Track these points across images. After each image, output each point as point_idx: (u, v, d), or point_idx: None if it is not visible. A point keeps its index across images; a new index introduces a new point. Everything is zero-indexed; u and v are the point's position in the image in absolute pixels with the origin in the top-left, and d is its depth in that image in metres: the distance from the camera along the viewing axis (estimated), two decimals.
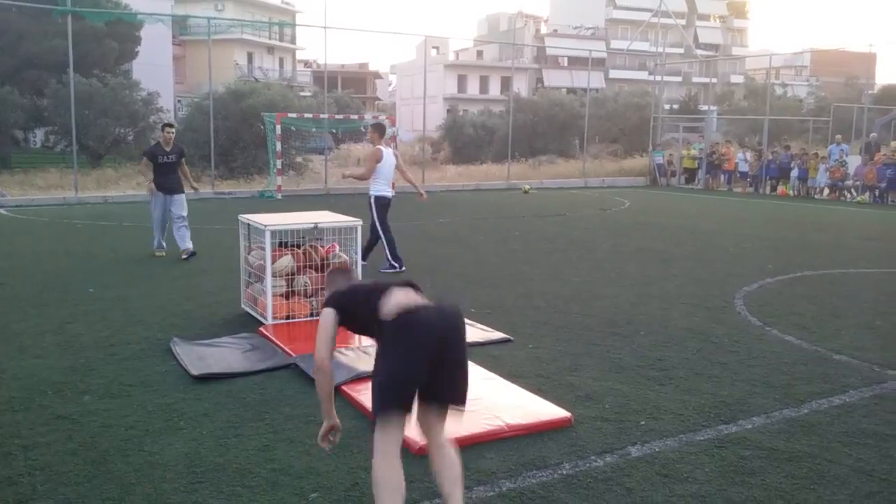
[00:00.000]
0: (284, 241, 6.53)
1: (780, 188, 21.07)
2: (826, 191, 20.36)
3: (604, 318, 6.76)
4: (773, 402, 4.66)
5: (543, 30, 64.75)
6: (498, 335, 6.06)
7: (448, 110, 44.62)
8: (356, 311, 3.23)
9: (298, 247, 6.59)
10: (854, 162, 20.53)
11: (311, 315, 6.42)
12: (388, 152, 9.08)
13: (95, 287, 7.85)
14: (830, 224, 14.55)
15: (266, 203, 16.49)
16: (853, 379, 5.12)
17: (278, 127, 18.19)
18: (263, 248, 6.63)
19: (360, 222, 6.62)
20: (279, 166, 18.43)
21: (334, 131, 21.72)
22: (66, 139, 30.63)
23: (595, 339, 6.09)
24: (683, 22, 66.05)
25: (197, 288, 7.93)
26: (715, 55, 61.53)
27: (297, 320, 6.34)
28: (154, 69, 37.19)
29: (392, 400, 2.93)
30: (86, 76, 25.50)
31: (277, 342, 5.73)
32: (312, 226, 6.52)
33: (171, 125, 10.16)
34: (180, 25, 46.89)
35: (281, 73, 51.16)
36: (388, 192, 9.07)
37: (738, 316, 6.91)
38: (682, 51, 66.14)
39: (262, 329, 6.12)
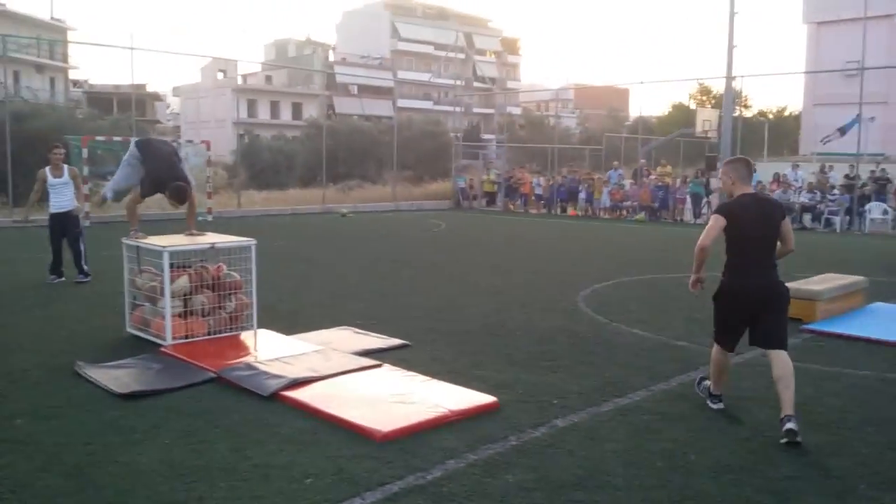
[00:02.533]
0: (174, 263, 6.59)
1: (570, 209, 23.38)
2: (607, 212, 22.90)
3: (479, 324, 7.53)
4: (646, 380, 5.64)
5: (332, 57, 65.62)
6: (396, 341, 6.60)
7: (240, 134, 43.83)
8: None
9: (186, 268, 6.69)
10: (627, 185, 23.38)
11: (209, 334, 6.55)
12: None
13: None
14: (622, 239, 16.59)
15: None
16: (699, 359, 6.26)
17: (84, 151, 17.22)
18: (153, 271, 6.67)
19: (255, 242, 6.85)
20: (86, 191, 17.39)
21: None
22: None
23: (482, 341, 6.83)
24: (463, 56, 70.19)
25: (61, 316, 7.63)
26: (492, 88, 65.82)
27: (196, 339, 6.44)
28: None
29: (720, 338, 4.86)
30: None
31: (188, 360, 5.84)
32: (209, 246, 6.66)
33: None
34: None
35: (52, 93, 47.38)
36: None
37: (588, 315, 7.99)
38: (462, 83, 70.28)
39: (163, 349, 6.17)
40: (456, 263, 11.98)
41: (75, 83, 57.43)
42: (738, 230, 4.62)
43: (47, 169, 9.58)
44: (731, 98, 20.88)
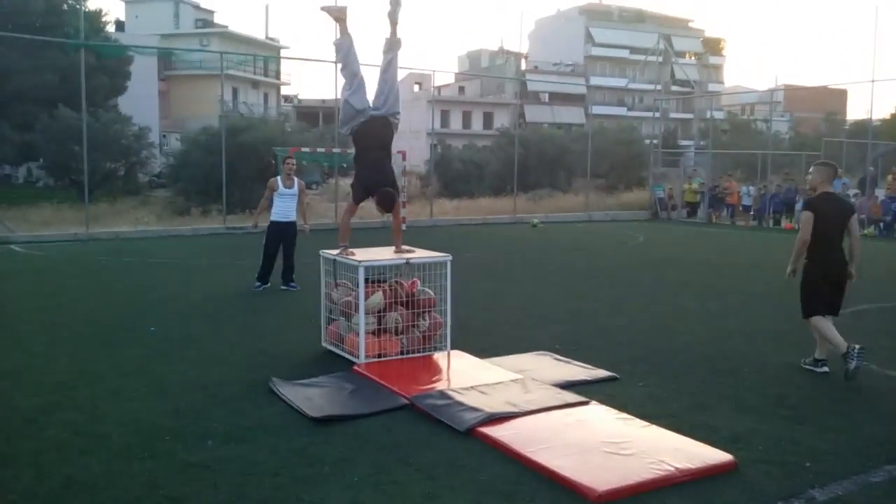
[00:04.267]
0: (370, 278, 6.29)
1: (786, 222, 21.26)
2: None
3: (696, 354, 6.63)
4: None
5: (524, 66, 65.53)
6: (603, 373, 5.89)
7: (433, 144, 44.73)
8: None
9: (381, 283, 6.38)
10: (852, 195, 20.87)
11: (402, 353, 6.20)
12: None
13: (155, 326, 7.54)
14: None
15: None
16: None
17: None
18: (348, 286, 6.44)
19: (450, 257, 6.43)
20: None
21: (344, 165, 21.47)
22: (54, 175, 30.14)
23: (701, 376, 5.95)
24: (660, 59, 67.35)
25: (260, 327, 7.65)
26: (692, 91, 62.48)
27: (388, 358, 6.11)
28: (140, 104, 36.71)
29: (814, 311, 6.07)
30: (76, 111, 24.99)
31: (382, 382, 5.49)
32: (404, 262, 6.33)
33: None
34: (165, 61, 46.65)
35: (265, 108, 51.00)
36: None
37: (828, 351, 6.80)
38: (659, 87, 67.42)
39: (357, 368, 5.88)
40: (660, 281, 10.98)
41: (286, 98, 61.59)
42: (823, 222, 5.95)
43: (279, 178, 9.69)
44: None
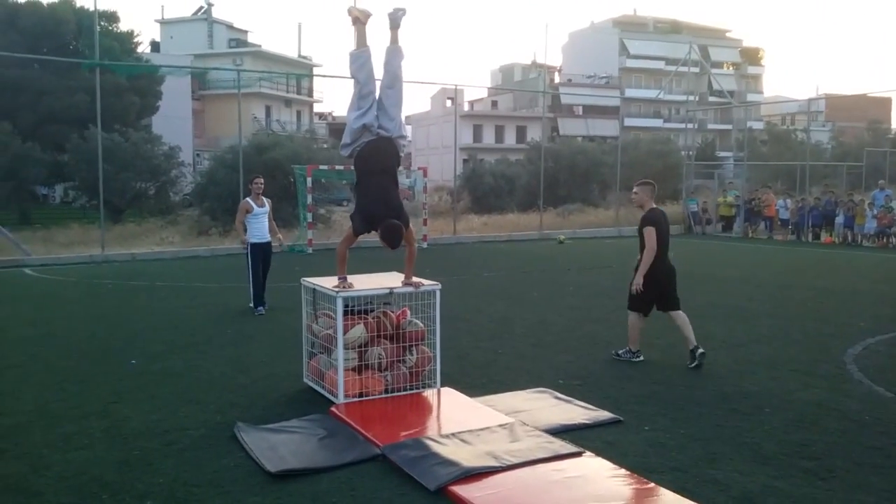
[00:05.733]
0: (353, 308, 5.81)
1: (825, 236, 20.31)
2: (871, 239, 19.58)
3: (713, 391, 6.00)
4: None
5: (557, 79, 64.87)
6: (605, 415, 5.30)
7: (465, 159, 44.06)
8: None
9: (367, 313, 5.89)
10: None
11: (386, 392, 5.69)
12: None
13: (137, 358, 7.15)
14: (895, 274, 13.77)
15: (298, 258, 15.79)
16: None
17: (309, 179, 17.65)
18: (331, 316, 5.96)
19: (439, 286, 5.92)
20: (310, 219, 17.83)
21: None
22: (87, 194, 30.32)
23: (716, 418, 5.32)
24: (697, 70, 66.07)
25: (247, 357, 7.21)
26: (730, 101, 61.00)
27: (371, 398, 5.61)
28: (173, 123, 36.92)
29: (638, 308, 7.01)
30: (107, 131, 25.00)
31: (357, 427, 4.99)
32: (387, 291, 5.82)
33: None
34: (199, 80, 47.07)
35: (299, 125, 51.18)
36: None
37: (862, 385, 6.13)
38: (695, 98, 65.97)
39: (333, 409, 5.39)
40: (686, 304, 10.23)
41: (321, 115, 61.75)
42: (660, 233, 6.79)
43: (249, 199, 9.55)
44: None
